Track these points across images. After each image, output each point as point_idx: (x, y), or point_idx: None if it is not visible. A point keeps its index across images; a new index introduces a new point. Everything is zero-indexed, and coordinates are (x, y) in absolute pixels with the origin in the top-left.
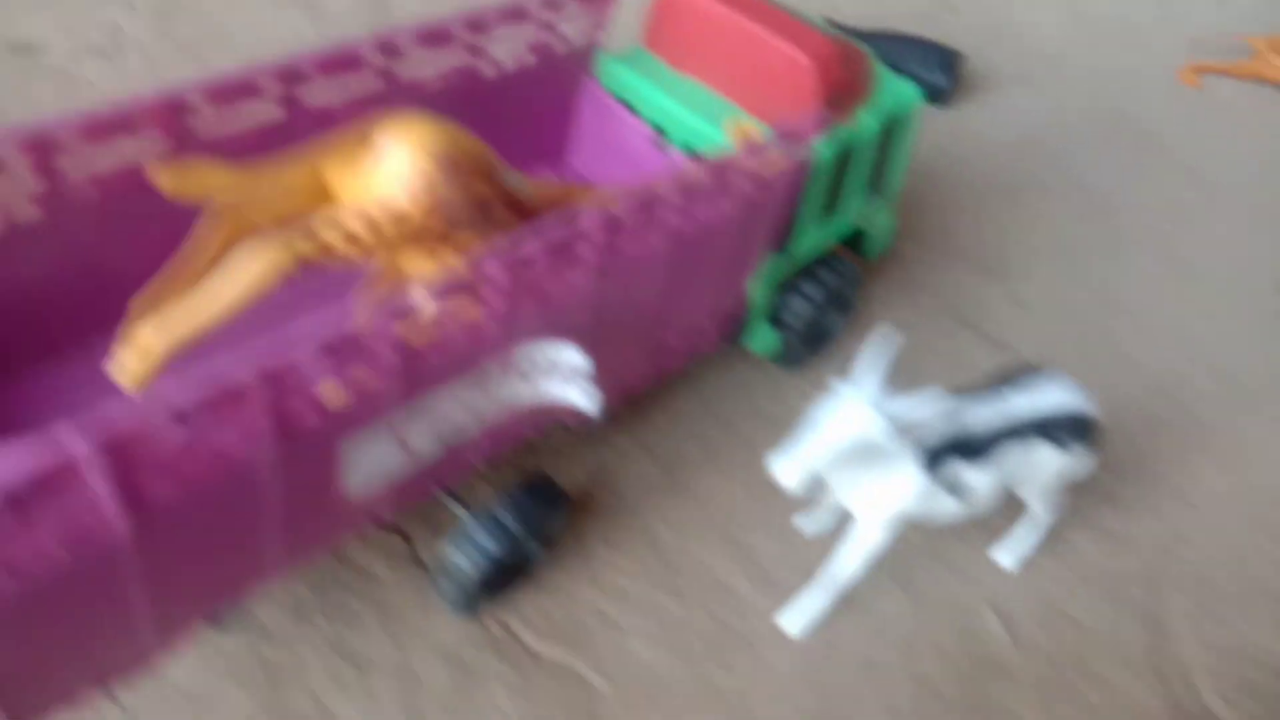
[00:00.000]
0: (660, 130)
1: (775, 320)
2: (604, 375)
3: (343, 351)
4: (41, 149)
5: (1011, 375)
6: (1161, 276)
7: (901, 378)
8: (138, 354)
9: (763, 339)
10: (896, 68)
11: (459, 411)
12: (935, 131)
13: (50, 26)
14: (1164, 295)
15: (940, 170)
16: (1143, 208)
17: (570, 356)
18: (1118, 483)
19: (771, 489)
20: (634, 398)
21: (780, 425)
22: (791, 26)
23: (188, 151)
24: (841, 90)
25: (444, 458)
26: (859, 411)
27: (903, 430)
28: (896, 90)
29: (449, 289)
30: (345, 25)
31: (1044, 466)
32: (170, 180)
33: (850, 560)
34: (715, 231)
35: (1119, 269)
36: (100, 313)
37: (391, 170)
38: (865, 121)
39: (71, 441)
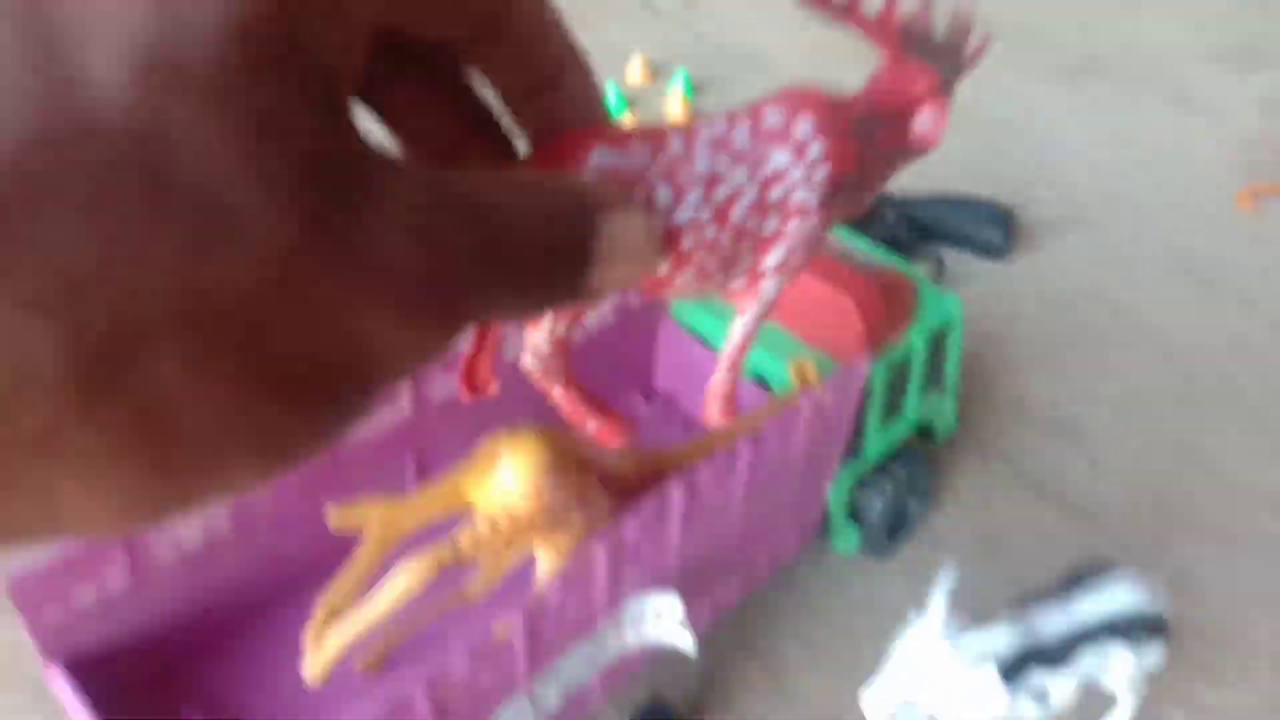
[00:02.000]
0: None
1: (854, 517)
2: (693, 605)
3: (485, 654)
4: None
5: (1080, 577)
6: (1235, 428)
7: (986, 560)
8: (321, 652)
9: (845, 539)
10: (951, 231)
11: (576, 667)
12: (993, 289)
13: None
14: (1239, 449)
15: (1002, 329)
16: (1207, 349)
17: (665, 603)
18: (1210, 651)
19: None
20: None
21: (876, 613)
22: (832, 268)
23: (344, 458)
24: (886, 319)
25: (568, 706)
26: (936, 647)
27: (980, 656)
28: (940, 305)
29: (561, 584)
30: None
31: (1119, 664)
32: (337, 518)
33: None
34: (789, 464)
35: (1192, 421)
36: (278, 601)
37: (506, 479)
38: (913, 341)
39: None
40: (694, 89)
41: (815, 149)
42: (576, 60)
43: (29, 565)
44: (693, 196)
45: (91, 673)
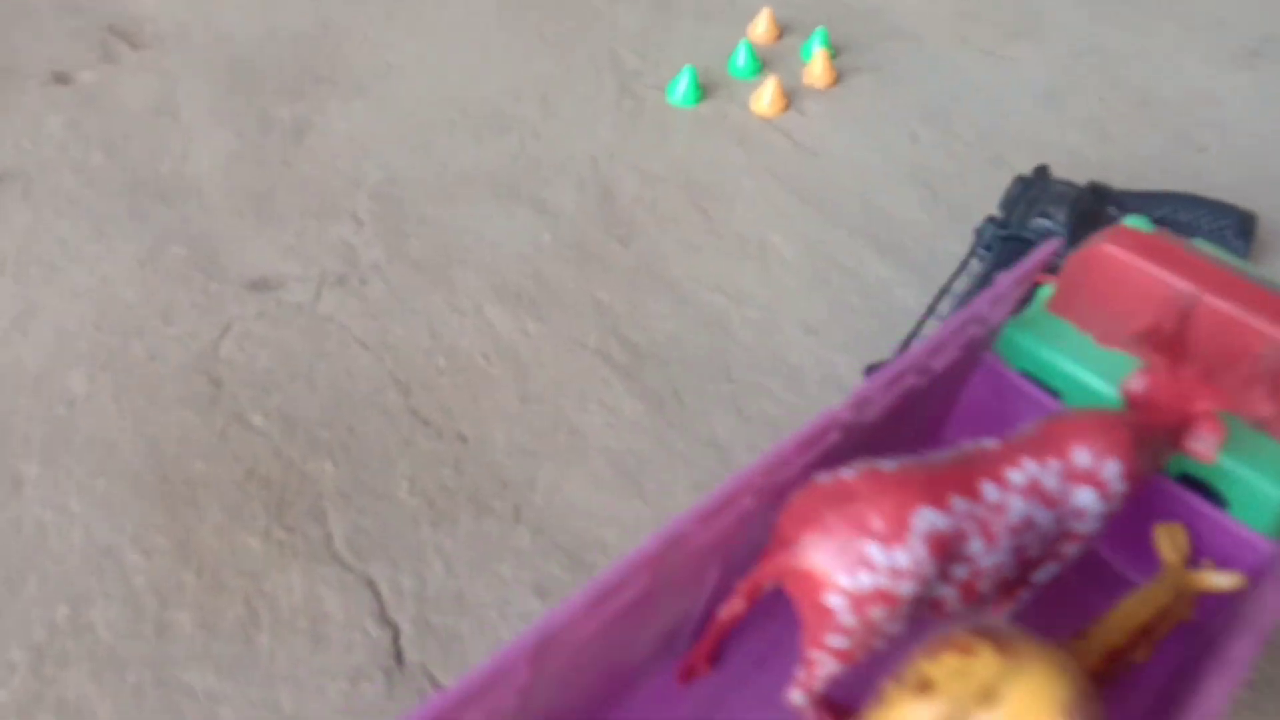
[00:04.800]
0: (1057, 395)
1: None
2: None
3: None
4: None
5: None
6: None
7: None
8: None
9: None
10: (1182, 234)
11: None
12: None
13: (282, 256)
14: None
15: None
16: None
17: None
18: None
19: None
20: None
21: None
22: (1249, 292)
23: None
24: None
25: None
26: None
27: None
28: None
29: None
30: (575, 222)
31: None
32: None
33: None
34: None
35: None
36: None
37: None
38: None
39: None
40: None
41: (1118, 486)
42: None
43: None
44: (1003, 543)
45: None
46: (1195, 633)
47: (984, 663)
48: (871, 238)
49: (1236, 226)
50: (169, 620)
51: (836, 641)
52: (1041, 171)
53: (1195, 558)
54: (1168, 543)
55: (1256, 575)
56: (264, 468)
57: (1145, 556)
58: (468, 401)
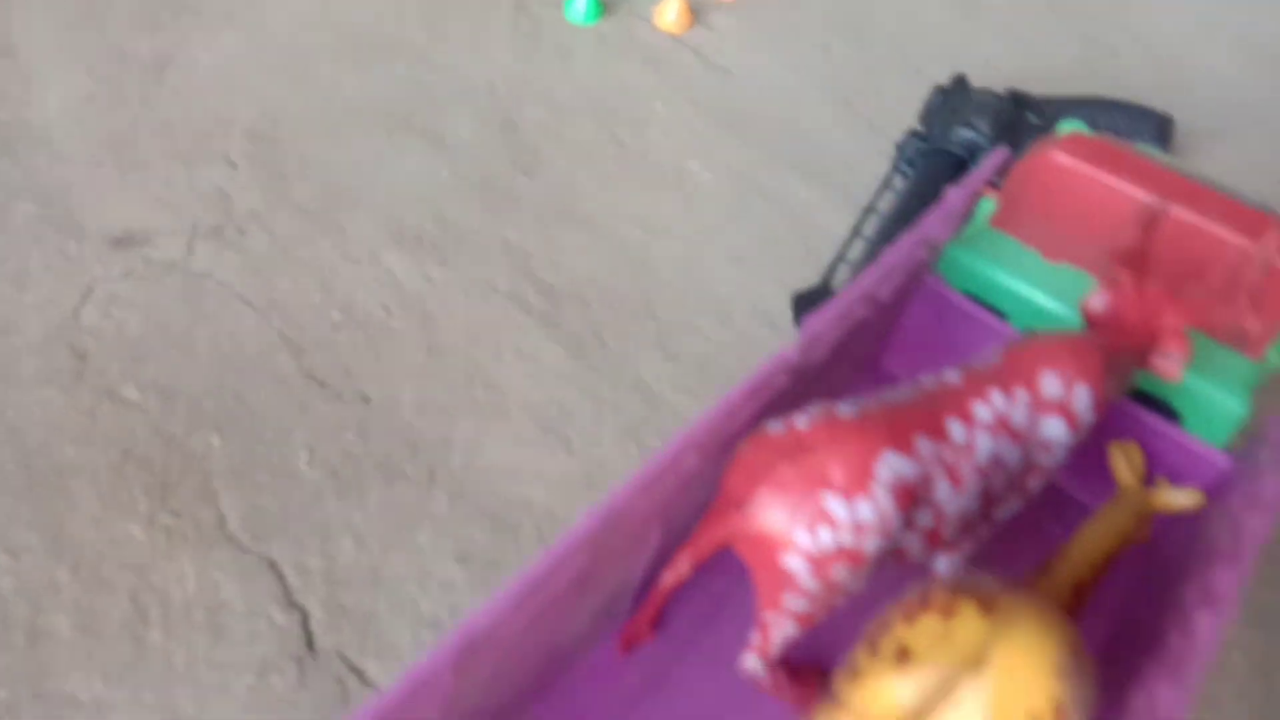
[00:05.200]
0: (1002, 315)
1: None
2: None
3: None
4: None
5: None
6: None
7: None
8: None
9: None
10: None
11: None
12: None
13: (147, 208)
14: None
15: None
16: None
17: None
18: None
19: None
20: None
21: None
22: (1209, 199)
23: None
24: None
25: None
26: None
27: None
28: None
29: None
30: (476, 155)
31: None
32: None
33: None
34: None
35: None
36: None
37: (1018, 685)
38: None
39: None
40: None
41: (1088, 416)
42: None
43: None
44: (970, 486)
45: None
46: (1149, 552)
47: (967, 625)
48: (792, 159)
49: (1154, 130)
50: (44, 626)
51: (795, 604)
52: (960, 81)
53: (1149, 476)
54: (1123, 463)
55: (1214, 492)
56: (142, 447)
57: (1097, 477)
58: (369, 359)
